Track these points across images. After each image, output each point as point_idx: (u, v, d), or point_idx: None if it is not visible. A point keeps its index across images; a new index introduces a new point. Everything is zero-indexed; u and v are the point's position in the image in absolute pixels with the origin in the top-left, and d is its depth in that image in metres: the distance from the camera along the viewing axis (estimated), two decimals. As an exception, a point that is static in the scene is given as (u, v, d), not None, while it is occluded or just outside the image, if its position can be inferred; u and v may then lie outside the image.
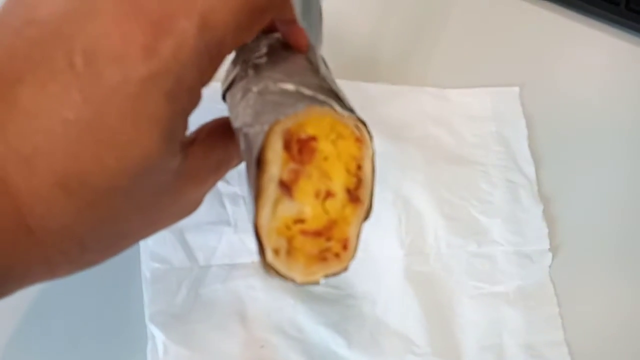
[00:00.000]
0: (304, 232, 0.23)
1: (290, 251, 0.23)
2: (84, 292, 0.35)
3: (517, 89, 0.44)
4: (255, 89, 0.26)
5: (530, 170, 0.41)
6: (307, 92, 0.25)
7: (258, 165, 0.23)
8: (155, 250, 0.36)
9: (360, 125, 0.24)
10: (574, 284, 0.38)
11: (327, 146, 0.24)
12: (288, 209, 0.23)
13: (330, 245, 0.24)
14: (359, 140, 0.24)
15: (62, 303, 0.35)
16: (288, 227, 0.23)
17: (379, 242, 0.37)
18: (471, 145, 0.41)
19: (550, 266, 0.38)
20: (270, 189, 0.23)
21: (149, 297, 0.35)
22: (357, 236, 0.25)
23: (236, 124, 0.26)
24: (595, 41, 0.48)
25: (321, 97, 0.24)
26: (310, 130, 0.23)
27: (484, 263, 0.38)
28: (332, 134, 0.24)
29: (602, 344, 0.37)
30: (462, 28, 0.47)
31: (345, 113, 0.24)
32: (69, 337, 0.35)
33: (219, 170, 0.28)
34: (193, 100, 0.24)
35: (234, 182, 0.38)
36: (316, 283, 0.24)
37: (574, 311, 0.38)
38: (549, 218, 0.40)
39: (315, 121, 0.24)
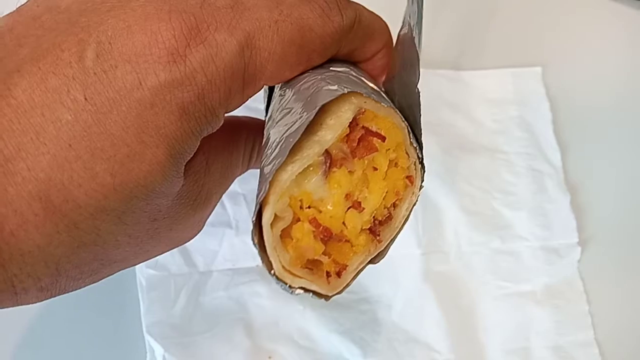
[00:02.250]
0: (314, 222, 0.20)
1: (285, 235, 0.20)
2: (75, 301, 0.33)
3: (539, 69, 0.41)
4: (334, 68, 0.23)
5: (556, 157, 0.38)
6: (388, 99, 0.22)
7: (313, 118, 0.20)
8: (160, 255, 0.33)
9: (419, 168, 0.22)
10: (604, 279, 0.36)
11: (384, 159, 0.21)
12: (313, 187, 0.20)
13: (325, 261, 0.21)
14: (408, 179, 0.21)
15: (52, 314, 0.33)
16: (301, 205, 0.20)
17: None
18: (491, 131, 0.39)
19: (579, 261, 0.36)
20: (312, 151, 0.19)
21: (146, 307, 0.33)
22: (356, 273, 0.22)
23: (287, 86, 0.23)
24: (622, 16, 0.44)
25: (400, 114, 0.22)
26: (382, 129, 0.20)
27: (508, 260, 0.36)
28: (393, 154, 0.21)
29: (634, 344, 0.35)
30: (478, 5, 0.44)
31: (415, 144, 0.21)
32: (60, 352, 0.33)
33: (223, 183, 0.25)
34: (211, 122, 0.21)
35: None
36: (290, 289, 0.20)
37: (604, 309, 0.35)
38: (576, 209, 0.37)
39: (389, 126, 0.21)
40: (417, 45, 0.22)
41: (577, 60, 0.43)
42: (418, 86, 0.21)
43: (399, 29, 0.26)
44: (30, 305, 0.32)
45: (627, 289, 0.36)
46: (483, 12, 0.44)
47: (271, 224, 0.20)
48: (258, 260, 0.34)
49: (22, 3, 0.21)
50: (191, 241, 0.34)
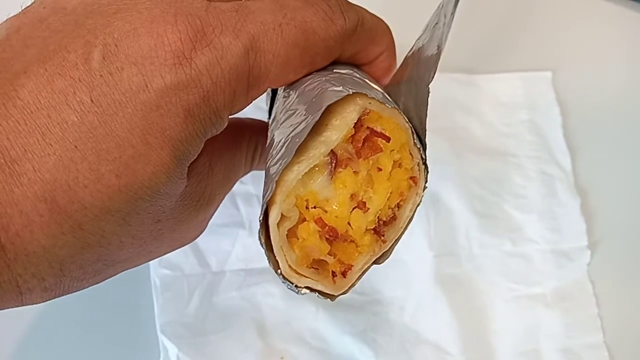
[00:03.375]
0: (319, 222, 0.20)
1: (291, 235, 0.20)
2: (90, 301, 0.33)
3: (549, 73, 0.41)
4: (338, 70, 0.23)
5: (566, 161, 0.39)
6: (392, 100, 0.22)
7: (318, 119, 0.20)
8: (164, 255, 0.33)
9: (423, 168, 0.22)
10: (613, 282, 0.36)
11: (388, 159, 0.21)
12: (319, 187, 0.20)
13: (330, 261, 0.21)
14: (412, 180, 0.21)
15: (67, 313, 0.33)
16: (307, 205, 0.20)
17: (406, 243, 0.34)
18: (503, 135, 0.39)
19: (588, 264, 0.36)
20: (318, 152, 0.20)
21: (159, 307, 0.33)
22: (360, 273, 0.21)
23: (291, 88, 0.23)
24: (632, 21, 0.44)
25: (404, 115, 0.22)
26: (386, 130, 0.21)
27: (519, 263, 0.36)
28: (397, 154, 0.21)
29: (644, 347, 0.35)
30: (489, 9, 0.44)
31: (419, 145, 0.21)
32: (75, 351, 0.33)
33: (226, 184, 0.25)
34: (216, 124, 0.21)
35: (247, 180, 0.35)
36: (296, 289, 0.20)
37: (614, 312, 0.35)
38: (586, 212, 0.37)
39: (393, 127, 0.21)
40: (442, 44, 0.22)
41: (587, 64, 0.43)
42: (429, 87, 0.21)
43: (418, 37, 0.26)
44: (46, 304, 0.33)
45: (637, 292, 0.36)
46: (494, 17, 0.44)
47: (278, 224, 0.20)
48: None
49: (27, 4, 0.21)
50: (205, 241, 0.34)
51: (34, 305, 0.32)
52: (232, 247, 0.34)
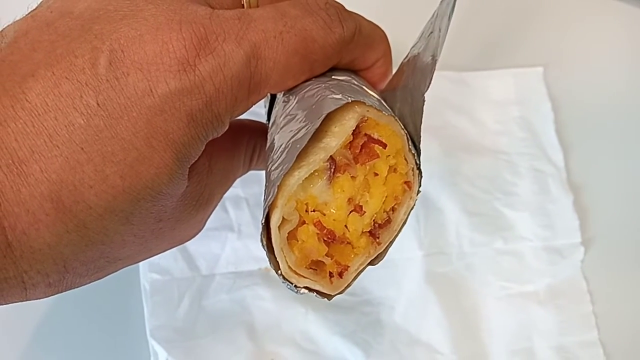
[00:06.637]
0: (318, 225, 0.21)
1: (291, 237, 0.21)
2: (80, 305, 0.33)
3: (540, 69, 0.41)
4: (336, 76, 0.24)
5: (558, 157, 0.38)
6: (388, 107, 0.23)
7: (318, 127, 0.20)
8: (153, 259, 0.33)
9: (417, 173, 0.22)
10: (608, 279, 0.36)
11: (384, 164, 0.21)
12: (318, 192, 0.21)
13: (328, 262, 0.21)
14: (407, 184, 0.22)
15: (57, 317, 0.33)
16: (307, 208, 0.21)
17: (396, 243, 0.35)
18: (494, 132, 0.39)
19: (582, 261, 0.36)
20: (318, 157, 0.20)
21: (149, 311, 0.33)
22: (356, 274, 0.22)
23: (290, 93, 0.24)
24: (623, 15, 0.44)
25: (400, 122, 0.22)
26: (383, 136, 0.21)
27: (511, 261, 0.35)
28: (393, 160, 0.22)
29: (639, 344, 0.35)
30: (479, 6, 0.44)
31: (414, 151, 0.22)
32: (65, 355, 0.33)
33: (224, 184, 0.26)
34: (217, 128, 0.22)
35: (237, 183, 0.35)
36: (296, 289, 0.21)
37: (608, 309, 0.35)
38: (579, 209, 0.37)
39: (390, 134, 0.21)
40: (437, 54, 0.22)
41: (579, 59, 0.42)
42: (424, 95, 0.22)
43: (412, 45, 0.26)
44: (36, 309, 0.33)
45: (631, 289, 0.36)
46: (484, 13, 0.43)
47: (279, 227, 0.21)
48: (260, 264, 0.35)
49: (34, 7, 0.22)
50: (194, 245, 0.34)
51: (23, 309, 0.33)
52: (221, 251, 0.34)
